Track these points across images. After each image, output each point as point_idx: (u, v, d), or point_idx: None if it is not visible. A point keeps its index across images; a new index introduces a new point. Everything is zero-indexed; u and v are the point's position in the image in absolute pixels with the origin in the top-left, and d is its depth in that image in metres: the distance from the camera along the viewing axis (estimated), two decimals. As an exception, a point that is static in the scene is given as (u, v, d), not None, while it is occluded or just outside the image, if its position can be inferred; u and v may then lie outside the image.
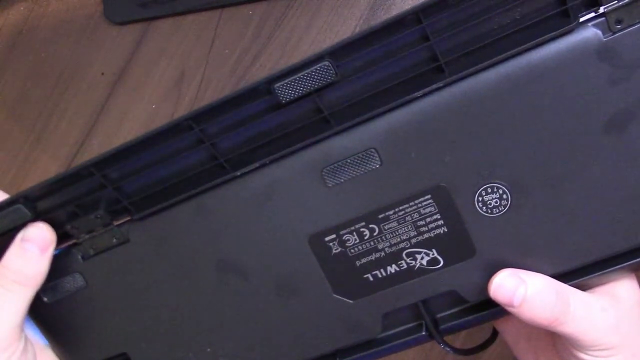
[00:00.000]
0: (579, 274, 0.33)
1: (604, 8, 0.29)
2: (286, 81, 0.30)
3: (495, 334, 0.41)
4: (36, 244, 0.33)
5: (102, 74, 0.60)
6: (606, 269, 0.33)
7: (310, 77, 0.30)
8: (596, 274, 0.33)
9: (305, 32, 0.57)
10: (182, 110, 0.59)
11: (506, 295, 0.32)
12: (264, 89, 0.31)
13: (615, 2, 0.29)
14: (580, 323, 0.33)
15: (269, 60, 0.58)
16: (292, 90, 0.30)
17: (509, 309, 0.33)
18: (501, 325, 0.41)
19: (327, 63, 0.30)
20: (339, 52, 0.30)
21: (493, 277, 0.33)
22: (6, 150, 0.62)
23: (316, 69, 0.30)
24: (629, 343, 0.34)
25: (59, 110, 0.61)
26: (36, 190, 0.33)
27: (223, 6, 0.58)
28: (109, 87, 0.60)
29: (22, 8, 0.62)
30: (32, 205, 0.34)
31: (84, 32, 0.61)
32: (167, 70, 0.59)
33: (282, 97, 0.31)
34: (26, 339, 0.35)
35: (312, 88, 0.30)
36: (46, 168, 0.61)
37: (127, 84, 0.60)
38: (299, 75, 0.30)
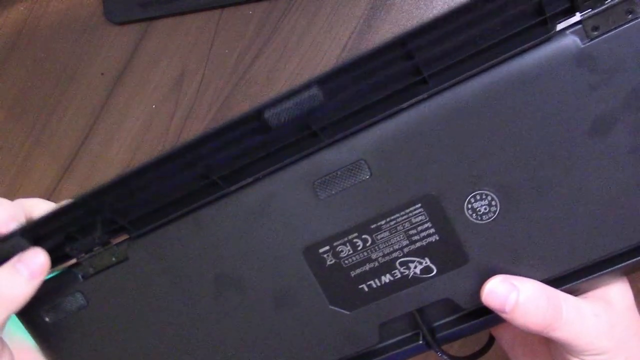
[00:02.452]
0: (569, 278, 0.33)
1: (581, 16, 0.30)
2: (276, 110, 0.31)
3: (491, 340, 0.41)
4: (28, 268, 0.33)
5: (102, 74, 0.60)
6: (596, 272, 0.33)
7: (299, 104, 0.31)
8: (587, 278, 0.33)
9: (305, 32, 0.57)
10: (182, 110, 0.59)
11: (498, 301, 0.32)
12: (254, 117, 0.31)
13: (591, 10, 0.30)
14: (573, 328, 0.33)
15: (269, 60, 0.58)
16: (281, 117, 0.31)
17: (502, 315, 0.33)
18: (497, 331, 0.41)
19: (315, 91, 0.30)
20: (326, 79, 0.30)
21: (485, 284, 0.33)
22: (6, 150, 0.62)
23: (305, 96, 0.30)
24: (622, 347, 0.34)
25: (59, 110, 0.61)
26: (34, 224, 0.33)
27: (223, 6, 0.58)
28: (109, 87, 0.60)
29: (22, 8, 0.62)
30: (30, 236, 0.34)
31: (84, 32, 0.61)
32: (167, 70, 0.59)
33: (272, 124, 0.31)
34: (3, 350, 0.35)
35: (300, 112, 0.31)
36: (46, 168, 0.62)
37: (127, 84, 0.60)
38: (288, 103, 0.31)
